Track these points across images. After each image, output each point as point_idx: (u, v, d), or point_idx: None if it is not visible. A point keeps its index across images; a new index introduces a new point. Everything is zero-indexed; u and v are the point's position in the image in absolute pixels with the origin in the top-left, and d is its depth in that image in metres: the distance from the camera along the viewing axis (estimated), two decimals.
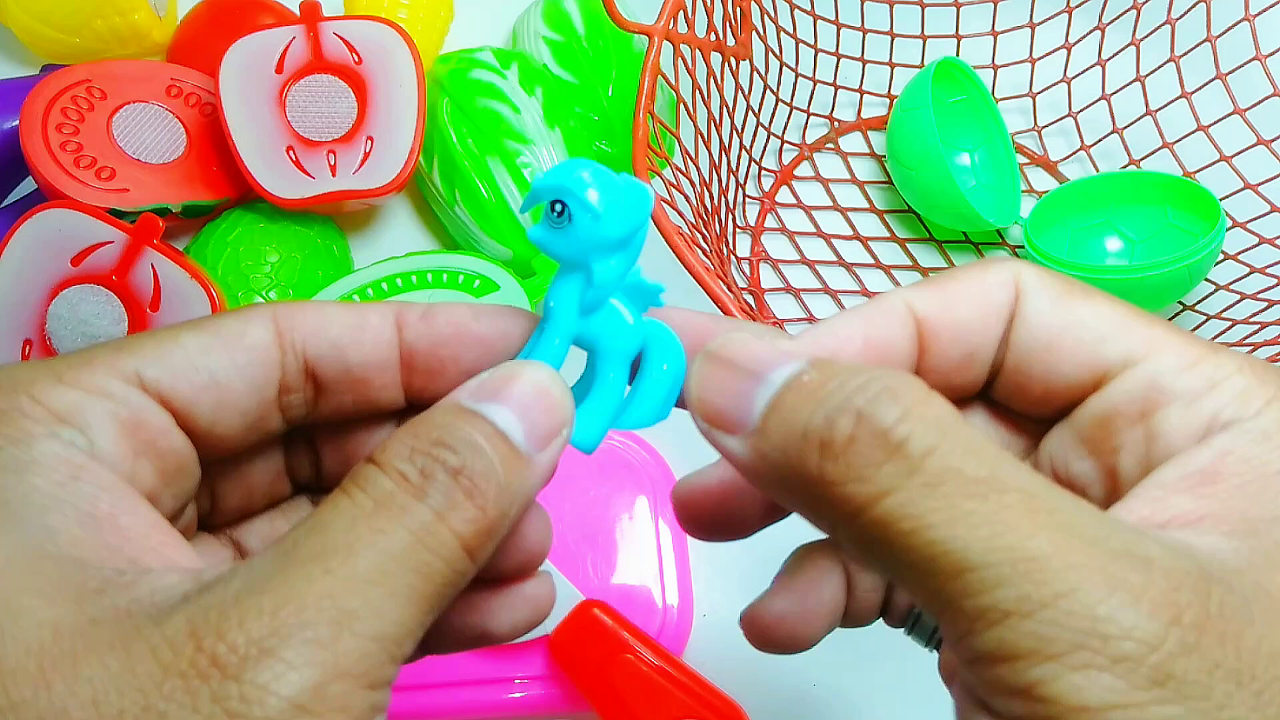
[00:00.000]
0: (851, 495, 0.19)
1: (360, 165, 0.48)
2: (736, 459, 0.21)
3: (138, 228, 0.42)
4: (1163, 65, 0.53)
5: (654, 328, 0.24)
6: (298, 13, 0.49)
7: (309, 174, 0.48)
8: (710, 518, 0.26)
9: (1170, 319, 0.51)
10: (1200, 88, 0.52)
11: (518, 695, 0.41)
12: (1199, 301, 0.51)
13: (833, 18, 0.55)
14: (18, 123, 0.46)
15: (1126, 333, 0.22)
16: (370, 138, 0.48)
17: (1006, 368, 0.24)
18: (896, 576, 0.19)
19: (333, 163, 0.48)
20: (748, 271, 0.52)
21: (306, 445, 0.26)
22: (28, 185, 0.50)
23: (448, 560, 0.20)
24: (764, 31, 0.52)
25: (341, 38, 0.49)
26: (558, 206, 0.23)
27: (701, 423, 0.22)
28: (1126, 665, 0.17)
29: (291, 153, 0.48)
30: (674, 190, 0.44)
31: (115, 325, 0.42)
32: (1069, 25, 0.55)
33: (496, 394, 0.22)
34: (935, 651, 0.28)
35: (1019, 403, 0.24)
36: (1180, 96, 0.53)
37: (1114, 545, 0.18)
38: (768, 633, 0.27)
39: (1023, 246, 0.53)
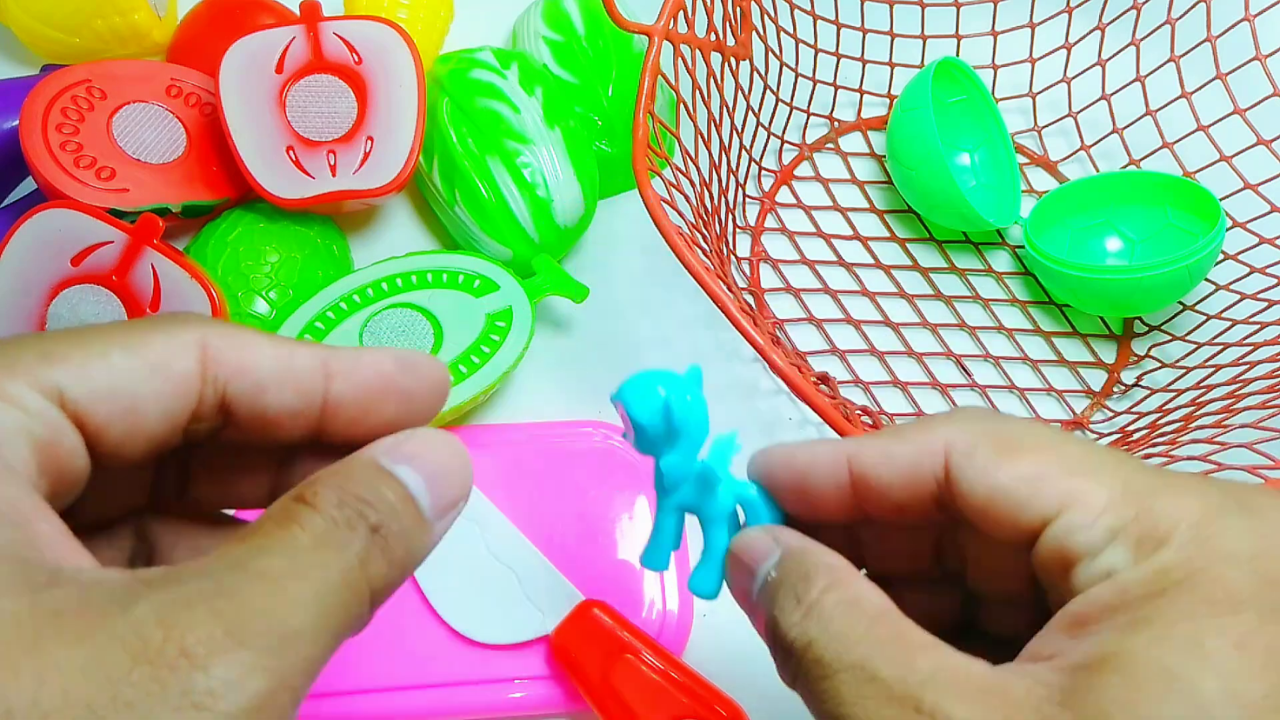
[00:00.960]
0: (781, 673, 0.26)
1: (360, 165, 0.48)
2: (755, 624, 0.27)
3: (138, 228, 0.42)
4: (1163, 65, 0.53)
5: (744, 489, 0.29)
6: (298, 13, 0.49)
7: (309, 174, 0.48)
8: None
9: (1170, 319, 0.51)
10: (1200, 88, 0.52)
11: (518, 695, 0.41)
12: (1199, 301, 0.51)
13: (833, 18, 0.55)
14: (18, 123, 0.46)
15: (1042, 493, 0.25)
16: (370, 138, 0.48)
17: (962, 516, 0.26)
18: None
19: (333, 163, 0.48)
20: (748, 271, 0.52)
21: (175, 456, 0.26)
22: (28, 185, 0.50)
23: (359, 602, 0.22)
24: (764, 31, 0.52)
25: (341, 38, 0.49)
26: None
27: (740, 602, 0.28)
28: None
29: (291, 153, 0.48)
30: (674, 190, 0.44)
31: None
32: (1069, 25, 0.55)
33: (410, 458, 0.24)
34: None
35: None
36: (1180, 96, 0.53)
37: (902, 693, 0.23)
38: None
39: (1023, 246, 0.53)
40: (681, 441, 0.27)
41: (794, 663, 0.25)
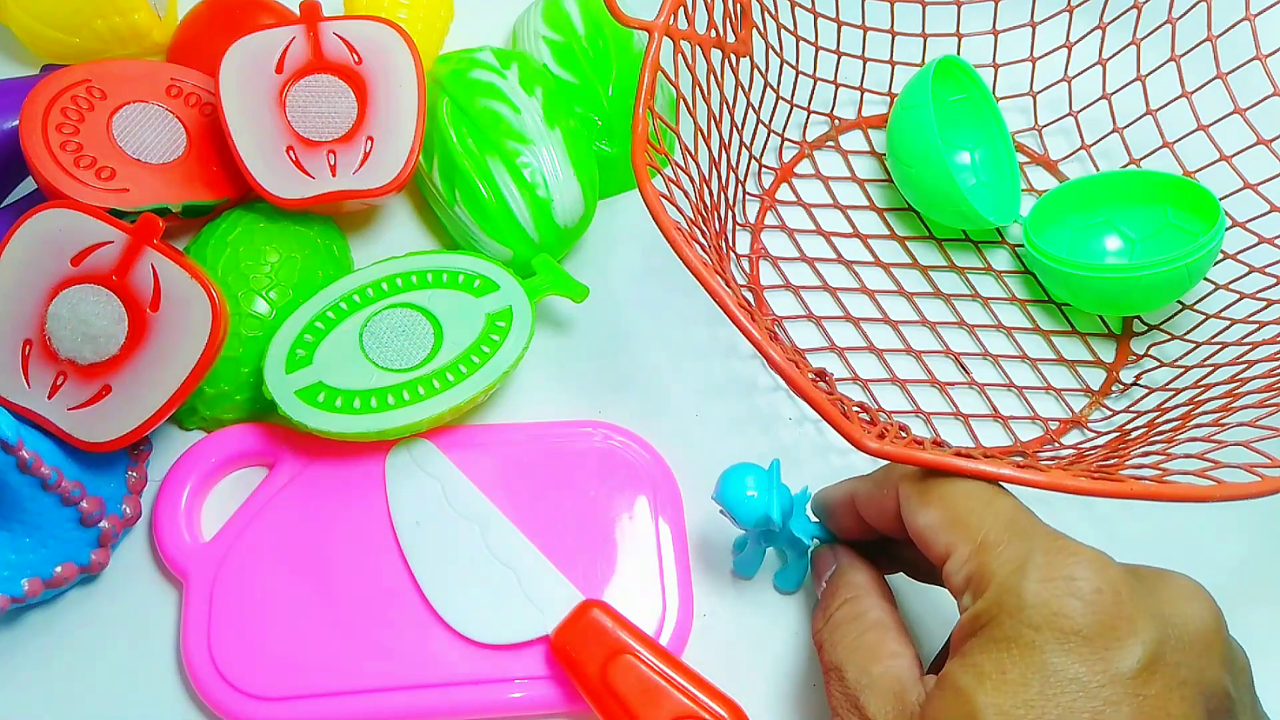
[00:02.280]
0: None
1: (360, 165, 0.48)
2: None
3: (138, 228, 0.42)
4: (1163, 65, 0.53)
5: (812, 528, 0.42)
6: (298, 13, 0.49)
7: (309, 174, 0.48)
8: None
9: (1169, 318, 0.51)
10: (1200, 87, 0.52)
11: (518, 695, 0.41)
12: (1198, 301, 0.51)
13: (833, 15, 0.55)
14: (18, 123, 0.46)
15: (938, 539, 0.34)
16: (370, 138, 0.48)
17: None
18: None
19: (333, 163, 0.48)
20: (747, 268, 0.52)
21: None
22: (28, 185, 0.50)
23: None
24: (764, 28, 0.52)
25: (341, 38, 0.49)
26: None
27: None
28: None
29: (291, 153, 0.48)
30: (673, 186, 0.44)
31: (115, 325, 0.42)
32: (1070, 24, 0.55)
33: None
34: None
35: None
36: (1180, 96, 0.53)
37: (853, 691, 0.35)
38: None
39: (1022, 245, 0.53)
40: (773, 522, 0.40)
41: (820, 660, 0.37)
